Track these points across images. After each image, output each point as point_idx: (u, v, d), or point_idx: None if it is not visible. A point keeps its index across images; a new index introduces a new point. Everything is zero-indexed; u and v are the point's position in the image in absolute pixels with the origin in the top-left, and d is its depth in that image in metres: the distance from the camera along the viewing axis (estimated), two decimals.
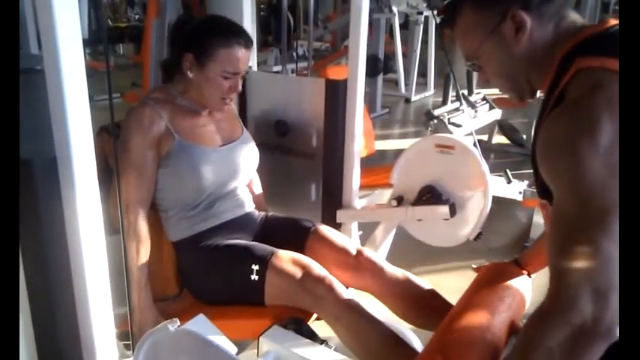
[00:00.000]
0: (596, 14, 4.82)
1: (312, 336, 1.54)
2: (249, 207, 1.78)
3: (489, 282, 1.31)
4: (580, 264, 0.78)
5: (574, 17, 0.98)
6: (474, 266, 1.50)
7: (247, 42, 1.61)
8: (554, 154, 0.84)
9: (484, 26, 0.99)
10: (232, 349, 1.12)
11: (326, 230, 1.76)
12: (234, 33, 1.59)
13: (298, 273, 1.52)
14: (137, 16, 10.26)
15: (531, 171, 1.00)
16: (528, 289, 1.36)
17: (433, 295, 1.64)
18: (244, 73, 1.63)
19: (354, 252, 1.69)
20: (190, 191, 1.63)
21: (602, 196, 0.78)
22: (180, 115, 1.63)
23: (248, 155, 1.77)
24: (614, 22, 0.95)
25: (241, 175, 1.74)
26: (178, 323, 1.09)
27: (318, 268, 1.55)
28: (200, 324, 1.18)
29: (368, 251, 1.71)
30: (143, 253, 1.58)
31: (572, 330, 0.76)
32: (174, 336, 1.09)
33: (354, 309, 1.48)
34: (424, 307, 1.62)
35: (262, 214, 1.82)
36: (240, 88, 1.64)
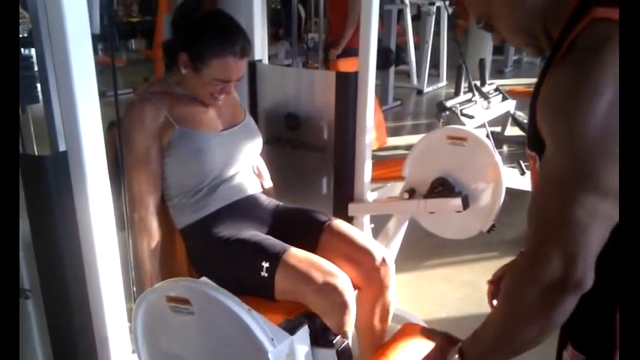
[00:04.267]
0: None
1: (324, 330, 1.54)
2: (253, 190, 1.76)
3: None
4: (552, 224, 0.79)
5: None
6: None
7: (244, 49, 1.59)
8: (553, 107, 0.81)
9: None
10: None
11: (341, 225, 1.73)
12: (229, 41, 1.57)
13: (317, 276, 1.50)
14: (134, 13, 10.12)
15: None
16: None
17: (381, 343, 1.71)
18: (237, 80, 1.64)
19: (377, 255, 1.65)
20: (193, 177, 1.64)
21: (586, 161, 0.75)
22: (179, 104, 1.64)
23: (250, 139, 1.77)
24: None
25: (244, 159, 1.74)
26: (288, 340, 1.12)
27: (341, 278, 1.52)
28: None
29: (388, 257, 1.67)
30: (154, 246, 1.59)
31: (544, 286, 0.79)
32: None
33: (347, 337, 1.51)
34: (367, 337, 1.72)
35: (272, 203, 1.81)
36: (231, 91, 1.66)
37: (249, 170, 1.80)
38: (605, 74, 0.74)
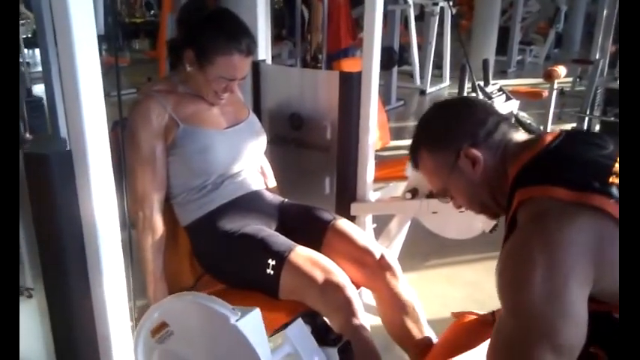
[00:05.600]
0: None
1: (327, 330, 1.54)
2: (257, 186, 1.76)
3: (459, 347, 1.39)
4: None
5: (518, 138, 1.09)
6: (453, 312, 1.51)
7: (249, 47, 1.59)
8: (501, 281, 0.95)
9: (444, 165, 1.13)
10: None
11: (345, 225, 1.72)
12: (236, 38, 1.57)
13: (319, 276, 1.49)
14: (152, 12, 10.30)
15: None
16: None
17: (426, 342, 1.59)
18: (242, 79, 1.64)
19: (377, 255, 1.64)
20: (197, 174, 1.64)
21: (539, 324, 0.88)
22: (183, 102, 1.64)
23: (254, 137, 1.77)
24: (550, 137, 1.03)
25: (248, 156, 1.74)
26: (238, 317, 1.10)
27: (340, 275, 1.52)
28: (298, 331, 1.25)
29: (389, 256, 1.66)
30: (158, 245, 1.59)
31: None
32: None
33: (360, 333, 1.48)
34: (408, 341, 1.61)
35: (277, 198, 1.81)
36: (235, 89, 1.66)
37: (253, 168, 1.80)
38: (535, 250, 0.89)
